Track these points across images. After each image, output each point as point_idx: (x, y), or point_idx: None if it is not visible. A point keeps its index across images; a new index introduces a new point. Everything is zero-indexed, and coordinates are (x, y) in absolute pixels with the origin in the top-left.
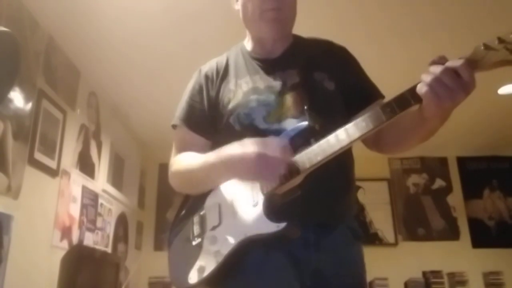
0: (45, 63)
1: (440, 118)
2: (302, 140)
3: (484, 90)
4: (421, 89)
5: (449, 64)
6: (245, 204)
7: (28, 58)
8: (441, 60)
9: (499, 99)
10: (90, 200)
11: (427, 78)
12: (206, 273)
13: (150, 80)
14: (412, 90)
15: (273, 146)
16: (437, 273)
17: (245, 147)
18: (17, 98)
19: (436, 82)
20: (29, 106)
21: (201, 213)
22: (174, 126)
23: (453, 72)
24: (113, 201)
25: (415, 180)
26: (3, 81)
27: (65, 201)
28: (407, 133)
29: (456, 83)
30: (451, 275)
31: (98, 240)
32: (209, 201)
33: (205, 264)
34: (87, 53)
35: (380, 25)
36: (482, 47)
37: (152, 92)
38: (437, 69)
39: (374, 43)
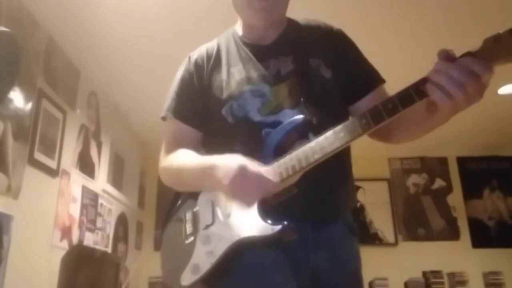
0: (45, 63)
1: (447, 117)
2: (299, 134)
3: None
4: (440, 97)
5: (473, 68)
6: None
7: (28, 58)
8: (450, 54)
9: (499, 99)
10: (90, 200)
11: (450, 86)
12: (199, 274)
13: (150, 80)
14: (416, 86)
15: (261, 172)
16: (437, 273)
17: (233, 161)
18: (17, 98)
19: (460, 90)
20: (29, 106)
21: (194, 210)
22: (163, 118)
23: (477, 77)
24: (113, 201)
25: (415, 180)
26: (3, 81)
27: (65, 201)
28: (410, 127)
29: (476, 88)
30: (451, 275)
31: (98, 240)
32: (202, 198)
33: (198, 265)
34: (87, 53)
35: (382, 22)
36: (492, 40)
37: (152, 92)
38: (460, 76)
39: (375, 38)
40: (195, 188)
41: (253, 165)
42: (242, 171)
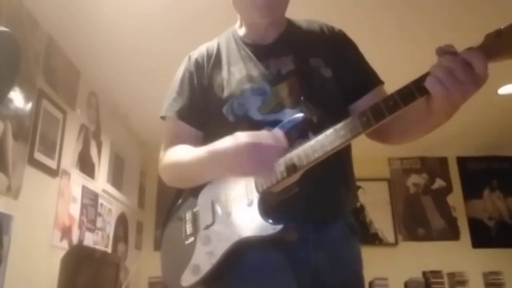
0: (45, 63)
1: (447, 113)
2: (299, 133)
3: (484, 90)
4: (431, 83)
5: (463, 55)
6: (239, 202)
7: (28, 58)
8: (449, 49)
9: (499, 99)
10: (90, 200)
11: (438, 72)
12: (200, 275)
13: (150, 80)
14: (417, 82)
15: (267, 136)
16: (437, 273)
17: (237, 139)
18: (17, 98)
19: (448, 75)
20: (29, 106)
21: (194, 210)
22: (163, 118)
23: (466, 65)
24: (113, 201)
25: (415, 180)
26: (3, 81)
27: (65, 201)
28: (410, 126)
29: (469, 77)
30: (451, 275)
31: (98, 240)
32: (202, 197)
33: (198, 266)
34: (87, 53)
35: (382, 23)
36: (494, 35)
37: (152, 92)
38: (449, 62)
39: (376, 39)
40: (199, 180)
41: (256, 137)
42: (252, 147)
